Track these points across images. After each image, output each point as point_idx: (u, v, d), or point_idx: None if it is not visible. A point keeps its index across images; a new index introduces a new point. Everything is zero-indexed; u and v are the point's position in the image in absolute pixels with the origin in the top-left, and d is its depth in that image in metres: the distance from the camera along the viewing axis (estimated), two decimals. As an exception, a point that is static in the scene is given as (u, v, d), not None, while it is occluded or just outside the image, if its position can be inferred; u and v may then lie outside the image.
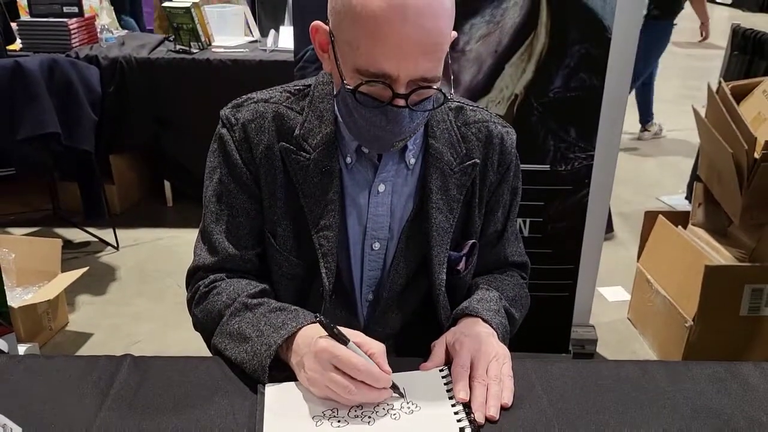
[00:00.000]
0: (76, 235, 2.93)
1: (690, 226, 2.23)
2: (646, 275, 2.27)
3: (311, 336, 0.82)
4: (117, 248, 2.83)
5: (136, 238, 2.92)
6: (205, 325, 0.96)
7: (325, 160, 0.95)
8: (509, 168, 1.04)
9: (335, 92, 0.93)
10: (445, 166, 0.98)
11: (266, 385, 0.83)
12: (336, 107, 0.94)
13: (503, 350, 0.89)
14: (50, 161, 2.46)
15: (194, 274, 1.01)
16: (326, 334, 0.80)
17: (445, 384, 0.84)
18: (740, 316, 1.95)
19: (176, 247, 2.83)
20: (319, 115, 0.95)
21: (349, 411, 0.79)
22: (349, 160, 0.96)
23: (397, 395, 0.81)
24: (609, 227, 2.94)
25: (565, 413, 0.81)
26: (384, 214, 0.99)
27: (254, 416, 0.78)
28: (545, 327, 2.08)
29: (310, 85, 0.99)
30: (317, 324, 0.83)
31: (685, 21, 4.19)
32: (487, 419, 0.79)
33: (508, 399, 0.82)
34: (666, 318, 2.13)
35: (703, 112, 2.10)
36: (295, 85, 1.01)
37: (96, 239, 2.88)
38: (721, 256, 2.03)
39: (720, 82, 2.00)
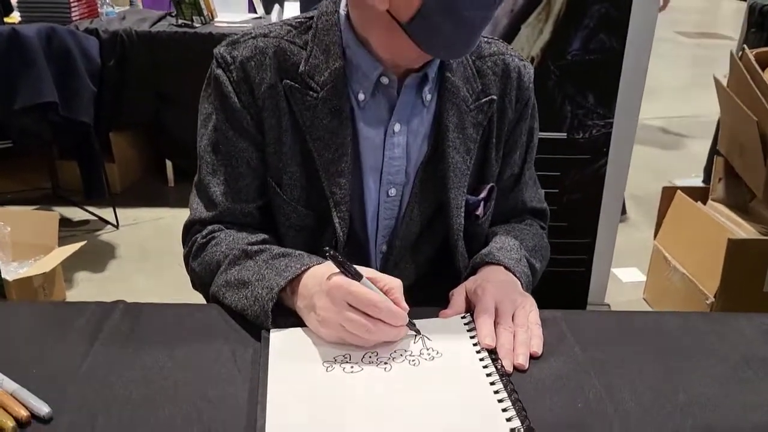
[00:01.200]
0: (75, 213, 2.85)
1: (710, 201, 2.15)
2: (664, 253, 2.19)
3: (321, 275, 0.74)
4: (117, 227, 2.76)
5: (136, 217, 2.85)
6: (204, 279, 0.88)
7: (334, 99, 0.87)
8: (527, 105, 0.97)
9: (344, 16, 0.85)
10: (462, 103, 0.91)
11: (271, 330, 0.75)
12: (351, 35, 0.86)
13: (529, 298, 0.82)
14: (48, 133, 2.39)
15: (190, 229, 0.94)
16: (337, 271, 0.72)
17: (468, 331, 0.77)
18: (764, 291, 1.87)
19: (177, 226, 2.69)
20: (324, 49, 0.87)
21: (363, 356, 0.71)
22: (362, 96, 0.88)
23: (413, 333, 0.75)
24: (622, 209, 2.86)
25: (600, 362, 0.73)
26: (400, 157, 0.91)
27: (257, 363, 0.71)
28: (559, 305, 2.01)
29: (312, 17, 0.90)
30: (325, 265, 0.75)
31: (692, 12, 4.11)
32: (515, 367, 0.72)
33: (537, 347, 0.74)
34: (685, 296, 2.05)
35: (724, 83, 2.02)
36: (296, 18, 0.92)
37: (95, 218, 2.81)
38: (743, 230, 1.95)
39: (744, 49, 1.92)
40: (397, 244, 0.95)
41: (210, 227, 0.90)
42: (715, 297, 1.89)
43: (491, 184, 0.97)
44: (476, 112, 0.92)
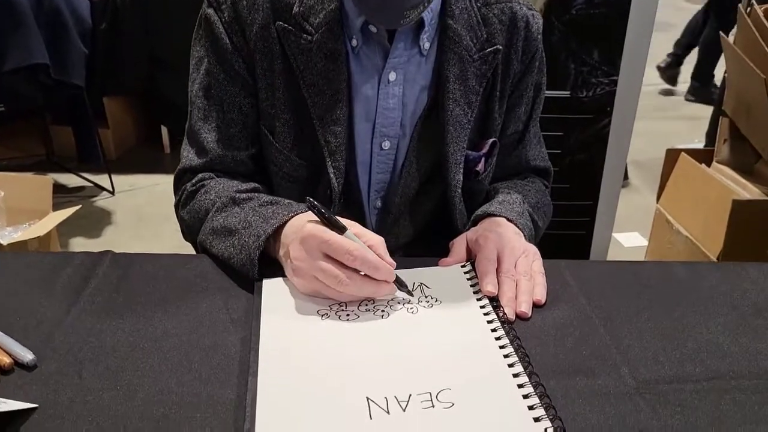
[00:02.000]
0: (70, 180, 2.82)
1: (714, 163, 2.11)
2: (666, 216, 2.16)
3: (300, 223, 0.71)
4: (113, 193, 2.73)
5: (132, 183, 2.82)
6: (193, 227, 0.86)
7: (329, 42, 0.83)
8: (534, 58, 0.92)
9: None
10: (464, 52, 0.86)
11: (264, 278, 0.72)
12: None
13: (532, 247, 0.79)
14: (40, 96, 2.34)
15: (181, 177, 0.90)
16: (317, 219, 0.69)
17: (468, 279, 0.74)
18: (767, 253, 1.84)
19: (174, 192, 2.72)
20: None
21: (359, 305, 0.69)
22: (355, 42, 0.84)
23: (404, 292, 0.70)
24: (624, 175, 2.83)
25: (607, 312, 0.71)
26: (395, 108, 0.87)
27: (250, 312, 0.68)
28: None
29: None
30: (308, 213, 0.72)
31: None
32: (517, 316, 0.69)
33: (540, 295, 0.72)
34: (688, 258, 2.03)
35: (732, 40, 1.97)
36: None
37: (91, 184, 2.78)
38: (748, 192, 1.92)
39: (752, 4, 1.86)
40: (396, 200, 0.92)
41: (200, 175, 0.87)
42: (718, 259, 1.87)
43: (493, 139, 0.93)
44: (480, 62, 0.87)
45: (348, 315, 0.67)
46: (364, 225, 0.93)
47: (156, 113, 3.06)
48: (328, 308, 0.68)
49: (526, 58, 0.91)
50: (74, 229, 2.35)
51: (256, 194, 0.82)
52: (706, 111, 3.25)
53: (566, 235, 1.88)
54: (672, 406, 0.57)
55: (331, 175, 0.85)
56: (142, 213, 2.59)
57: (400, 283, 0.70)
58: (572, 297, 0.73)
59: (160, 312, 0.69)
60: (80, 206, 2.18)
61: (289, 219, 0.73)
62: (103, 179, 2.76)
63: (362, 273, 0.67)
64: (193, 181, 0.87)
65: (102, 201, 2.69)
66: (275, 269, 0.74)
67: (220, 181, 0.85)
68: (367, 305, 0.69)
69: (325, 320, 0.66)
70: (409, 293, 0.71)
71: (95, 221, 2.51)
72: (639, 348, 0.65)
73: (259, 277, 0.72)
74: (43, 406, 0.56)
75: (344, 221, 0.69)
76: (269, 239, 0.73)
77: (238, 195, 0.81)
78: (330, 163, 0.85)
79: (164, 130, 3.08)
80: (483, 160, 0.92)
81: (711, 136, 2.86)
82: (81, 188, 2.78)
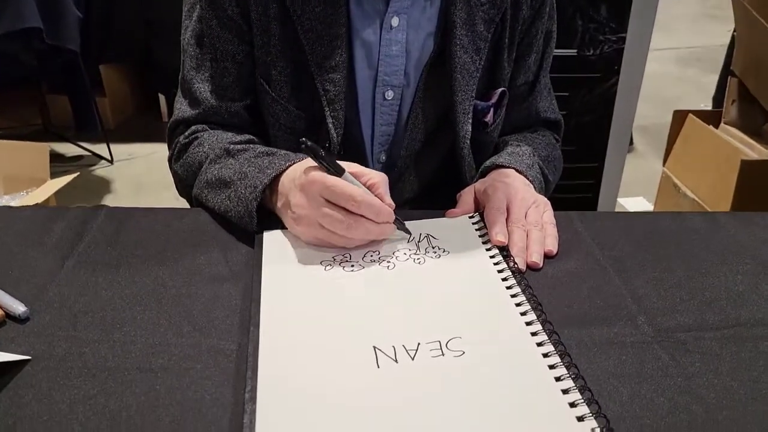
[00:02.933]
0: (68, 149, 2.78)
1: (722, 125, 2.07)
2: (673, 179, 2.13)
3: (298, 171, 0.68)
4: (111, 162, 2.69)
5: (131, 152, 2.78)
6: (187, 181, 0.83)
7: None
8: (544, 2, 0.88)
9: None
10: None
11: (265, 230, 0.70)
12: None
13: (543, 198, 0.76)
14: (33, 61, 2.29)
15: (174, 130, 0.87)
16: (315, 165, 0.66)
17: (477, 230, 0.71)
18: (777, 215, 1.81)
19: (173, 161, 2.68)
20: None
21: (365, 255, 0.66)
22: None
23: (401, 232, 0.69)
24: (629, 139, 2.79)
25: (621, 262, 0.68)
26: (399, 55, 0.83)
27: (251, 265, 0.66)
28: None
29: None
30: (304, 161, 0.69)
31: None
32: (528, 266, 0.66)
33: (552, 246, 0.69)
34: (694, 222, 2.00)
35: None
36: None
37: (89, 153, 2.74)
38: (756, 153, 1.88)
39: (765, -42, 1.80)
40: (401, 154, 0.89)
41: (193, 127, 0.84)
42: (726, 221, 1.84)
43: (503, 88, 0.89)
44: (488, 6, 0.83)
45: (353, 266, 0.64)
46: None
47: (153, 81, 3.00)
48: (332, 259, 0.65)
49: (535, 2, 0.87)
50: (73, 198, 2.32)
51: (251, 145, 0.79)
52: (714, 77, 3.19)
53: (571, 198, 1.85)
54: (692, 354, 0.55)
55: (330, 126, 0.82)
56: (141, 182, 2.56)
57: (399, 223, 0.69)
58: (585, 247, 0.70)
59: (157, 265, 0.66)
60: (78, 173, 2.15)
61: (286, 168, 0.70)
62: (101, 148, 2.72)
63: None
64: (186, 133, 0.84)
65: (101, 170, 2.65)
66: (273, 222, 0.71)
67: (214, 133, 0.82)
68: (372, 256, 0.66)
69: (328, 271, 0.63)
70: (408, 232, 0.70)
71: (94, 190, 2.48)
72: (656, 297, 0.62)
73: (257, 229, 0.70)
74: (37, 358, 0.53)
75: (342, 163, 0.66)
76: (266, 191, 0.70)
77: (232, 146, 0.78)
78: (329, 113, 0.82)
79: (162, 99, 3.03)
80: (492, 110, 0.89)
81: (718, 99, 2.81)
82: (79, 157, 2.74)
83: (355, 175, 0.66)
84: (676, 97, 3.57)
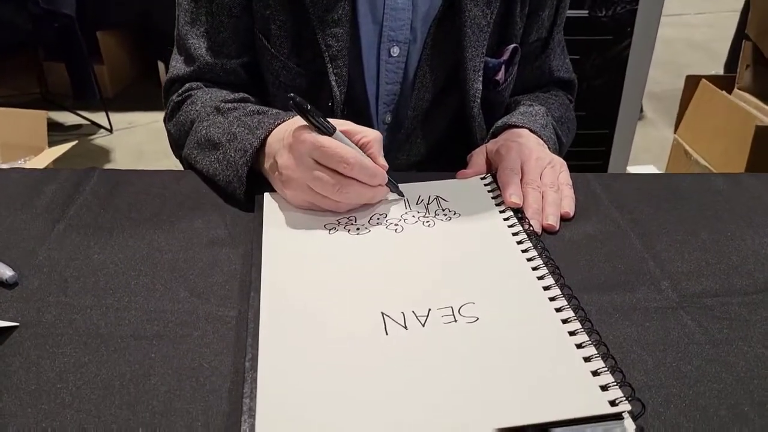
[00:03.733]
0: (66, 118, 2.74)
1: (735, 90, 2.02)
2: (685, 146, 2.08)
3: (286, 129, 0.64)
4: (111, 131, 2.65)
5: (131, 120, 2.73)
6: (179, 141, 0.79)
7: None
8: None
9: None
10: None
11: (265, 193, 0.66)
12: None
13: (558, 158, 0.72)
14: (29, 26, 2.23)
15: (169, 89, 0.84)
16: (305, 123, 0.61)
17: (489, 191, 0.68)
18: (791, 182, 1.77)
19: (173, 130, 2.64)
20: None
21: (370, 218, 0.63)
22: None
23: (395, 195, 0.66)
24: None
25: (642, 225, 0.64)
26: (405, 8, 0.78)
27: (251, 229, 0.62)
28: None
29: None
30: (293, 120, 0.64)
31: None
32: (544, 229, 0.63)
33: (569, 208, 0.65)
34: (705, 190, 1.96)
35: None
36: None
37: (88, 122, 2.70)
38: (771, 119, 1.83)
39: None
40: (407, 114, 0.84)
41: (188, 85, 0.80)
42: (738, 189, 1.80)
43: (514, 44, 0.85)
44: None
45: (358, 229, 0.61)
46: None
47: (153, 48, 2.94)
48: (336, 222, 0.62)
49: None
50: (73, 167, 2.28)
51: (242, 104, 0.75)
52: (725, 45, 3.11)
53: (580, 166, 1.81)
54: (720, 320, 0.52)
55: (333, 83, 0.78)
56: (141, 150, 2.52)
57: (392, 185, 0.65)
58: (603, 210, 0.67)
59: (152, 229, 0.63)
60: (76, 141, 2.11)
61: (275, 127, 0.66)
62: (100, 117, 2.68)
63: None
64: (180, 91, 0.80)
65: (100, 139, 2.61)
66: (261, 187, 0.67)
67: (208, 91, 0.78)
68: (378, 218, 0.62)
69: (333, 234, 0.60)
70: (400, 194, 0.66)
71: (94, 160, 2.45)
72: (679, 261, 0.59)
73: (244, 194, 0.66)
74: (25, 324, 0.50)
75: (334, 121, 0.62)
76: (258, 151, 0.66)
77: (223, 104, 0.74)
78: (331, 69, 0.77)
79: (161, 66, 2.97)
80: (503, 68, 0.84)
81: (729, 65, 2.75)
82: (78, 126, 2.70)
83: (346, 134, 0.62)
84: (687, 64, 3.50)
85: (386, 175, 0.63)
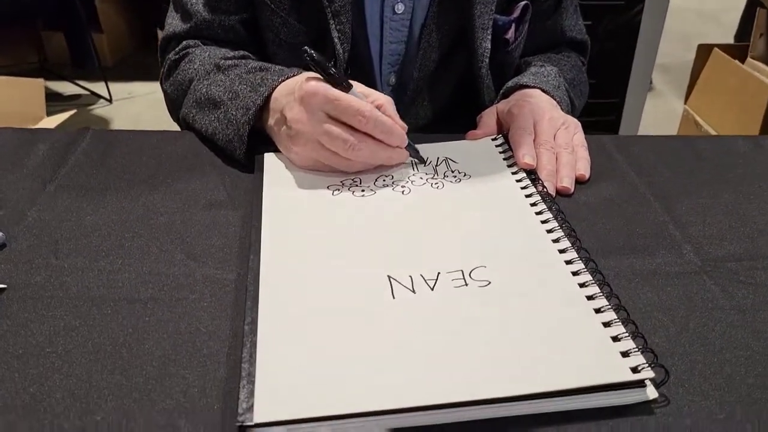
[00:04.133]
0: (65, 88, 2.69)
1: (748, 59, 1.97)
2: (695, 117, 2.04)
3: (295, 83, 0.60)
4: (110, 101, 2.61)
5: (130, 90, 2.69)
6: (177, 101, 0.76)
7: None
8: None
9: None
10: None
11: (265, 153, 0.63)
12: None
13: (573, 119, 0.69)
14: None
15: (165, 47, 0.80)
16: (317, 76, 0.58)
17: (500, 153, 0.64)
18: (804, 154, 1.73)
19: (174, 100, 2.60)
20: None
21: (376, 179, 0.60)
22: None
23: (416, 159, 0.62)
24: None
25: (661, 188, 0.61)
26: None
27: (251, 190, 0.59)
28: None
29: None
30: (303, 74, 0.60)
31: None
32: (558, 192, 0.60)
33: (584, 170, 0.62)
34: (716, 161, 1.92)
35: None
36: None
37: (87, 92, 2.65)
38: (786, 88, 1.79)
39: None
40: (414, 75, 0.81)
41: (185, 42, 0.76)
42: (750, 160, 1.76)
43: (525, 1, 0.81)
44: None
45: (363, 191, 0.58)
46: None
47: (152, 16, 2.88)
48: (340, 183, 0.59)
49: None
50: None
51: (243, 61, 0.71)
52: (735, 13, 3.04)
53: (589, 135, 1.78)
54: (745, 285, 0.49)
55: (336, 41, 0.74)
56: (141, 120, 2.48)
57: (412, 149, 0.62)
58: (620, 172, 0.64)
59: (148, 190, 0.60)
60: (75, 110, 2.08)
61: (279, 84, 0.63)
62: (99, 87, 2.63)
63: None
64: (177, 49, 0.76)
65: (100, 109, 2.57)
66: (261, 148, 0.64)
67: (206, 49, 0.75)
68: (384, 180, 0.59)
69: (336, 195, 0.57)
70: (422, 160, 0.62)
71: (93, 129, 2.41)
72: (701, 225, 0.56)
73: (244, 155, 0.63)
74: (13, 286, 0.48)
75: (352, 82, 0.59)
76: (261, 109, 0.63)
77: (223, 62, 0.70)
78: (334, 26, 0.74)
79: (161, 34, 2.92)
80: (513, 26, 0.80)
81: (740, 37, 2.68)
82: (77, 96, 2.66)
83: (360, 94, 0.59)
84: (696, 34, 3.42)
85: (405, 137, 0.60)
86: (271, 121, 0.63)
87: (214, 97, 0.67)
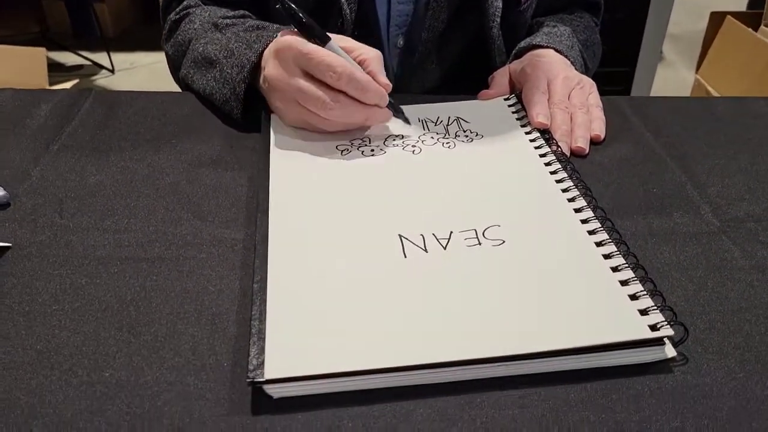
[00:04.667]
0: (67, 58, 2.67)
1: (762, 27, 1.93)
2: (707, 87, 2.01)
3: (277, 40, 0.58)
4: (112, 71, 2.58)
5: (132, 61, 2.66)
6: (177, 62, 0.74)
7: None
8: None
9: None
10: None
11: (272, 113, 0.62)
12: None
13: (588, 79, 0.67)
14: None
15: (167, 8, 0.78)
16: (296, 31, 0.56)
17: (513, 112, 0.63)
18: (817, 123, 1.71)
19: (177, 70, 2.57)
20: None
21: (386, 139, 0.58)
22: None
23: (401, 119, 0.60)
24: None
25: (678, 148, 0.60)
26: None
27: (258, 151, 0.58)
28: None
29: None
30: (291, 31, 0.57)
31: None
32: (573, 152, 0.59)
33: (599, 130, 0.61)
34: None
35: None
36: None
37: (89, 63, 2.63)
38: (800, 56, 1.75)
39: None
40: (421, 37, 0.79)
41: (186, 2, 0.74)
42: (761, 130, 1.74)
43: None
44: None
45: (372, 150, 0.57)
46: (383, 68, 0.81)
47: (153, -15, 2.84)
48: (349, 143, 0.57)
49: None
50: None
51: (241, 20, 0.70)
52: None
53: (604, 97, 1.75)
54: (764, 245, 0.48)
55: (343, 1, 0.72)
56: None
57: (395, 109, 0.59)
58: (636, 133, 0.62)
59: (153, 150, 0.59)
60: (77, 80, 2.06)
61: (273, 40, 0.61)
62: (101, 57, 2.61)
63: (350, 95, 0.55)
64: (177, 9, 0.74)
65: (102, 80, 2.55)
66: (263, 109, 0.62)
67: (207, 9, 0.73)
68: (394, 140, 0.58)
69: (345, 155, 0.56)
70: (406, 120, 0.60)
71: (96, 100, 2.39)
72: (720, 185, 0.55)
73: (242, 114, 0.61)
74: (18, 245, 0.47)
75: (334, 36, 0.56)
76: (257, 67, 0.61)
77: (221, 20, 0.68)
78: None
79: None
80: (526, -15, 0.78)
81: (753, 5, 2.64)
82: (79, 67, 2.63)
83: (345, 50, 0.57)
84: (707, 5, 3.36)
85: (385, 95, 0.57)
86: (260, 81, 0.61)
87: (210, 56, 0.65)
